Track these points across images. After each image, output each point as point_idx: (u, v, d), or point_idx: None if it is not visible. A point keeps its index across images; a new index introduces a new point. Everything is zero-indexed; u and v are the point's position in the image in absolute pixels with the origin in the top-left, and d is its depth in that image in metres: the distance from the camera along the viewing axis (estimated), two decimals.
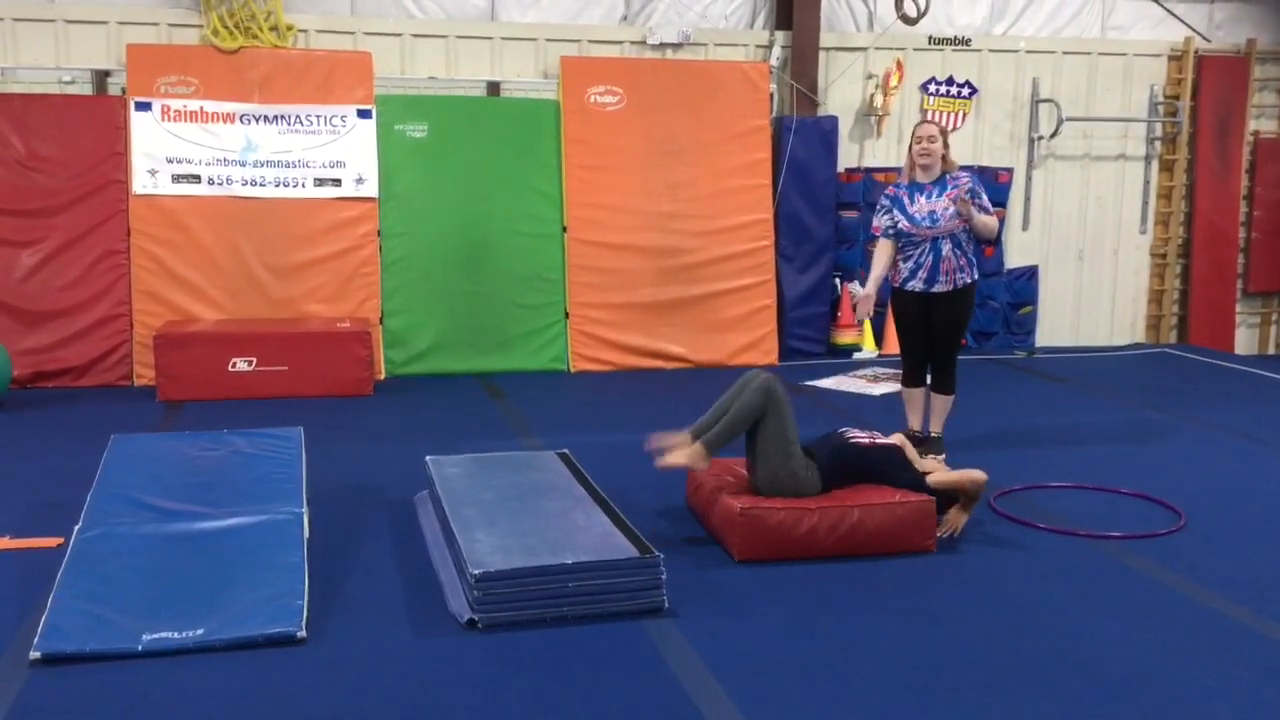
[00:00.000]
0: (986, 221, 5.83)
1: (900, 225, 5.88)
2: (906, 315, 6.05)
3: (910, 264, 5.91)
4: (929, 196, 5.83)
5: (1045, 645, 3.80)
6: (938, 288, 5.87)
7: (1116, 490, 5.51)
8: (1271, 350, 10.68)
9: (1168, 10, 10.04)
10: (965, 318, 6.06)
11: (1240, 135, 10.18)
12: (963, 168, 9.49)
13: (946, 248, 5.82)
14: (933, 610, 4.09)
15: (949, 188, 5.81)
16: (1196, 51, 10.02)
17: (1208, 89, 10.04)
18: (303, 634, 3.70)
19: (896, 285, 6.03)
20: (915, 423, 6.15)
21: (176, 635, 3.63)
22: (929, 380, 6.13)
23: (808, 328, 9.25)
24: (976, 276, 6.01)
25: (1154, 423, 7.05)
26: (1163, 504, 5.29)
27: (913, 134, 5.96)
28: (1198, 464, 6.11)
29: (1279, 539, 4.89)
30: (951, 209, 5.76)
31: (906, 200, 5.89)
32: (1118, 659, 3.69)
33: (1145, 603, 4.18)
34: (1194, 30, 10.08)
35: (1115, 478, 5.72)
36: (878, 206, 6.06)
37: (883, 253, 6.02)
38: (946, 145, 5.89)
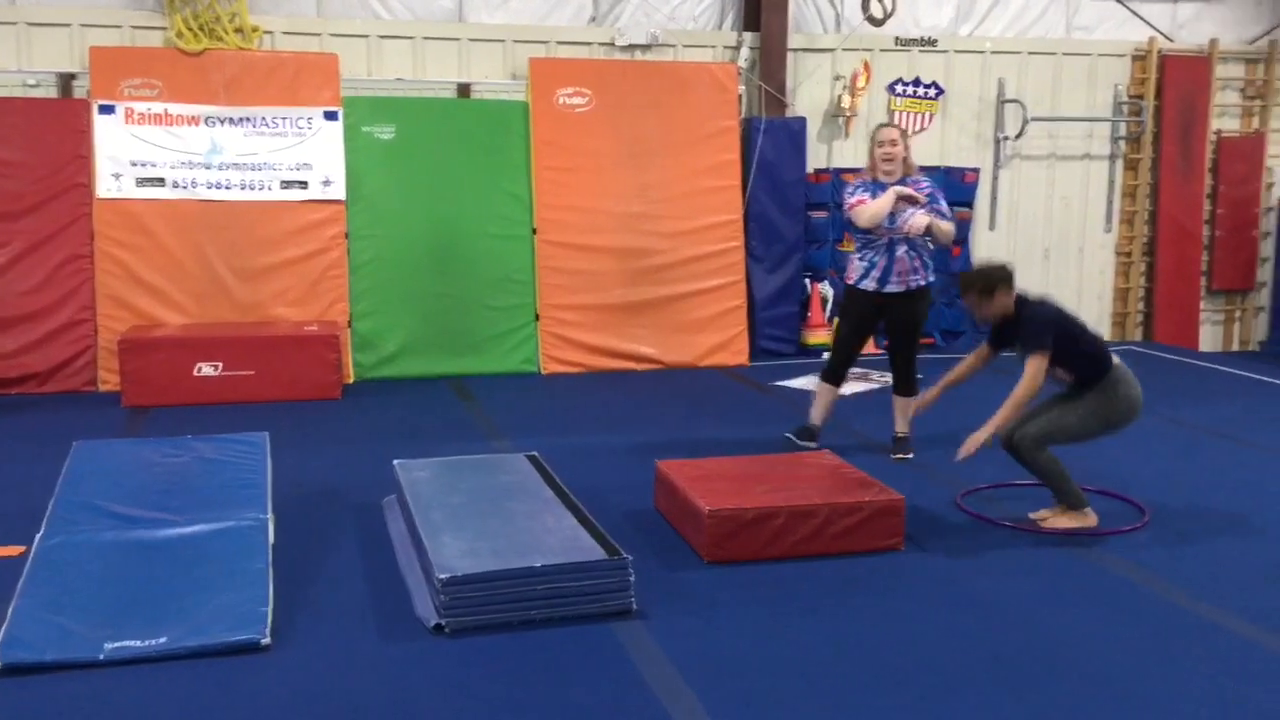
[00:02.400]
0: (945, 229, 5.89)
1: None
2: (854, 312, 6.12)
3: (864, 263, 5.98)
4: None
5: (1011, 642, 3.82)
6: (890, 288, 5.93)
7: (1081, 487, 5.54)
8: (1235, 347, 10.80)
9: (1131, 10, 10.13)
10: (921, 320, 6.13)
11: (1203, 134, 10.29)
12: (930, 168, 9.65)
13: (902, 250, 5.89)
14: (900, 608, 4.11)
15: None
16: (1160, 51, 10.12)
17: (1171, 88, 10.14)
18: (267, 641, 3.67)
19: (850, 282, 6.09)
20: (818, 418, 6.20)
21: (139, 644, 3.59)
22: (893, 384, 6.22)
23: (778, 328, 9.28)
24: (932, 279, 6.07)
25: None
26: (1127, 500, 5.34)
27: (874, 137, 6.03)
28: (1162, 460, 6.17)
29: (1242, 535, 4.94)
30: (910, 210, 5.82)
31: (869, 198, 5.92)
32: (1083, 655, 3.72)
33: (1110, 599, 4.21)
34: (1157, 30, 10.18)
35: (1080, 475, 5.74)
36: (848, 192, 6.05)
37: (873, 203, 5.83)
38: (907, 148, 5.98)
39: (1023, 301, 4.97)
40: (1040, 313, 4.92)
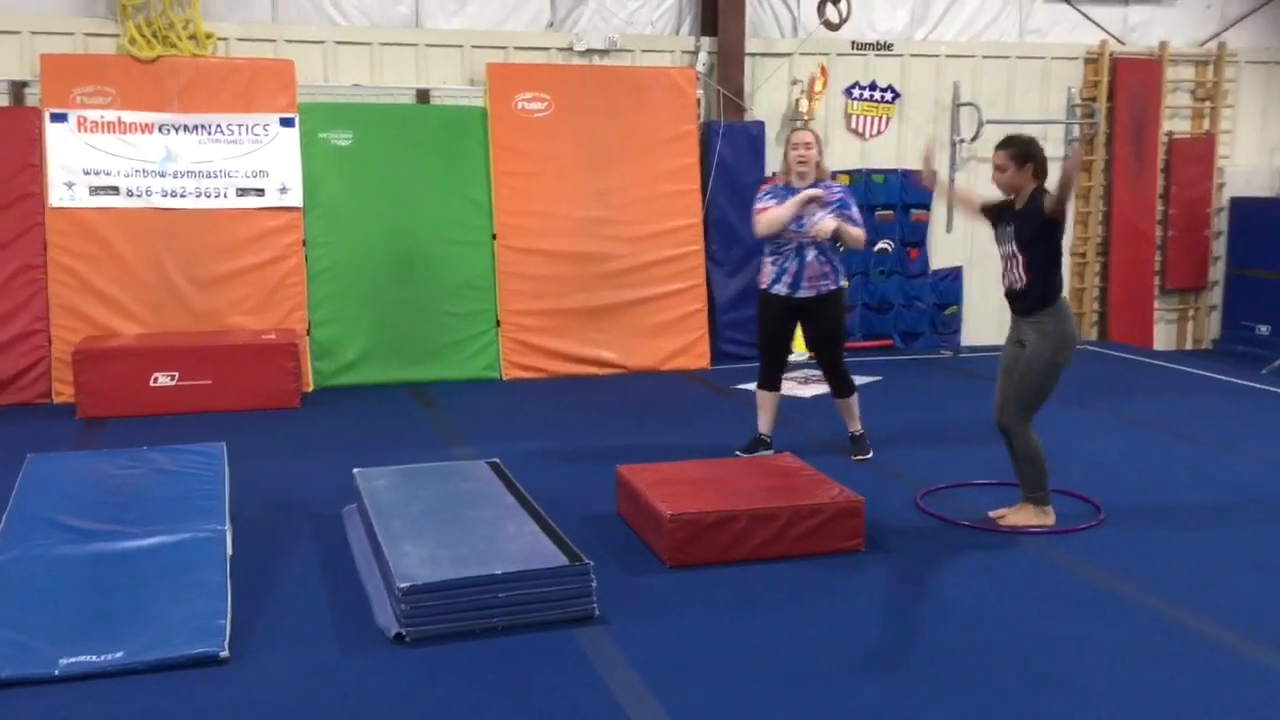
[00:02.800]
0: (855, 235, 5.90)
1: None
2: (769, 317, 6.10)
3: (776, 268, 5.98)
4: None
5: (970, 641, 3.86)
6: (802, 293, 5.94)
7: None
8: (1189, 345, 10.97)
9: (1083, 14, 10.27)
10: (839, 323, 6.12)
11: (1155, 136, 10.44)
12: (887, 171, 9.74)
13: (811, 254, 5.89)
14: (861, 609, 4.14)
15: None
16: (1112, 54, 10.27)
17: (1123, 91, 10.28)
18: (225, 653, 3.64)
19: (762, 287, 6.08)
20: (765, 426, 6.19)
21: (95, 658, 3.55)
22: (829, 389, 6.27)
23: (739, 331, 9.30)
24: (842, 283, 6.09)
25: (1075, 418, 7.19)
26: (1083, 499, 5.40)
27: (788, 140, 6.05)
28: (1118, 458, 6.25)
29: (1196, 532, 5.02)
30: (819, 214, 5.83)
31: (780, 201, 5.91)
32: (1040, 653, 3.76)
33: (1065, 597, 4.27)
34: (1109, 33, 10.33)
35: None
36: (758, 198, 6.02)
37: (777, 209, 5.87)
38: (820, 153, 5.99)
39: (1043, 192, 4.91)
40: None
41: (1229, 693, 3.47)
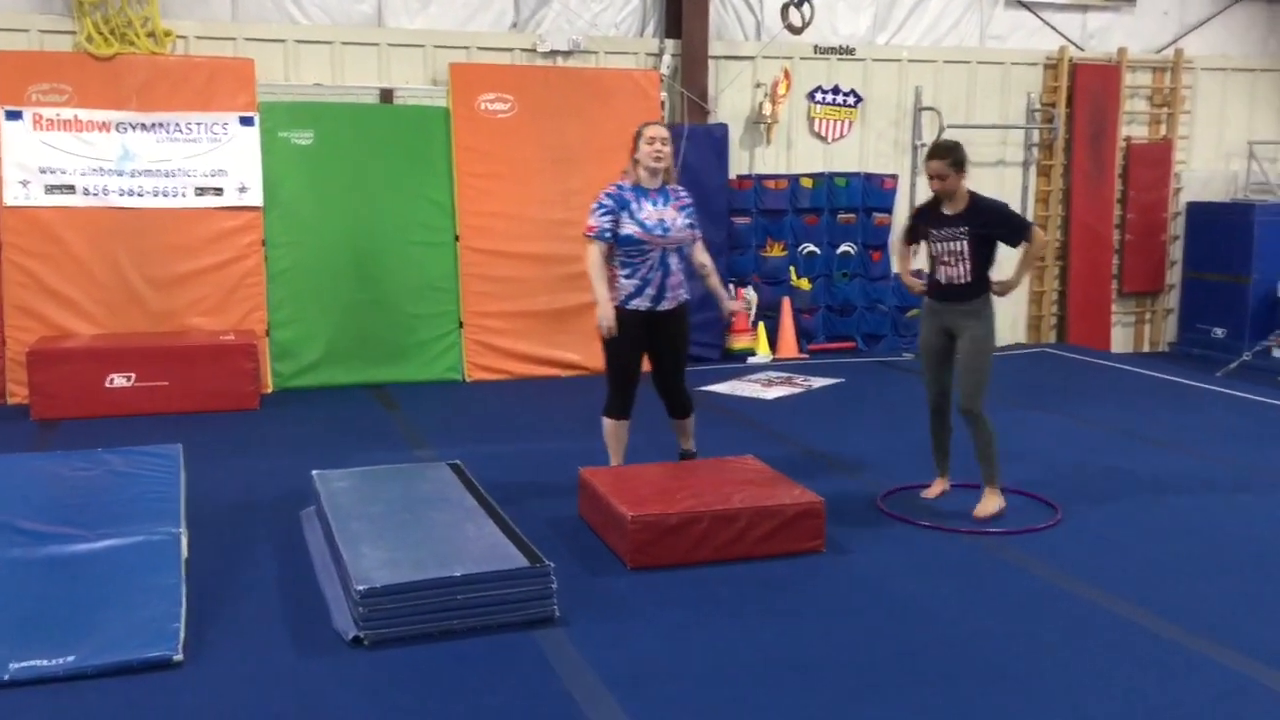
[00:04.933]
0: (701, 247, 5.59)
1: (628, 230, 5.28)
2: (628, 338, 5.35)
3: (636, 279, 5.32)
4: (655, 204, 5.34)
5: (926, 640, 3.88)
6: (664, 305, 5.37)
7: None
8: (1146, 348, 11.10)
9: (1043, 20, 10.37)
10: (689, 333, 5.66)
11: (1113, 141, 10.57)
12: (849, 175, 9.78)
13: (674, 261, 5.37)
14: (819, 609, 4.16)
15: (672, 198, 5.39)
16: (1071, 60, 10.37)
17: (1082, 96, 10.40)
18: (179, 657, 3.60)
19: (616, 304, 5.35)
20: (617, 459, 5.56)
21: (46, 663, 3.50)
22: (668, 410, 5.67)
23: (702, 333, 9.28)
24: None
25: (1034, 420, 7.27)
26: (1040, 499, 5.45)
27: (639, 135, 5.38)
28: (1075, 459, 6.31)
29: (1152, 532, 5.08)
30: (681, 220, 5.36)
31: (634, 203, 5.31)
32: (996, 652, 3.79)
33: (1022, 596, 4.30)
34: (1068, 39, 10.44)
35: None
36: (595, 205, 5.34)
37: (600, 263, 5.33)
38: (669, 155, 5.42)
39: (974, 193, 5.29)
40: (1000, 203, 5.40)
41: (1180, 690, 3.52)
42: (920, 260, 5.70)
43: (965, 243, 5.18)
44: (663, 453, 5.84)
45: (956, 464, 5.56)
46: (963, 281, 5.23)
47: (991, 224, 5.23)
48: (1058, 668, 3.67)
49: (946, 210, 5.28)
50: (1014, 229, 5.28)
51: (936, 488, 5.54)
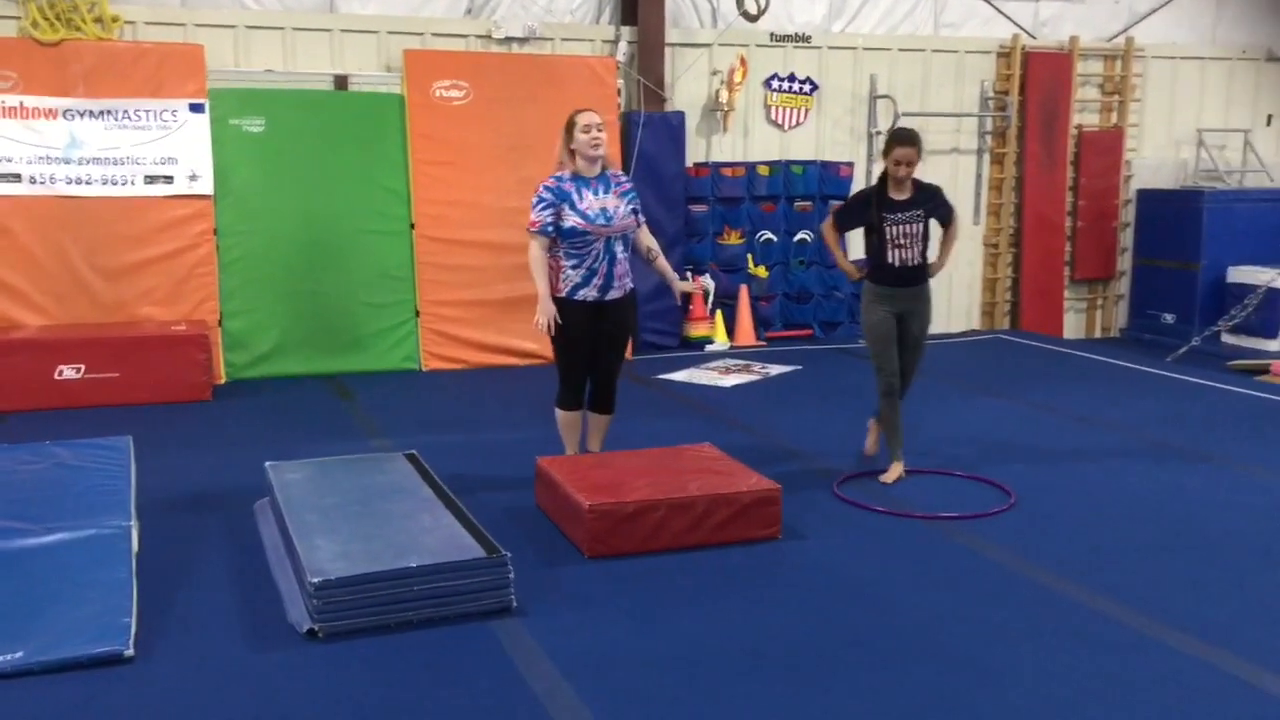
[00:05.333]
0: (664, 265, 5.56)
1: (570, 223, 5.18)
2: (577, 331, 5.29)
3: (582, 270, 5.22)
4: (596, 192, 5.25)
5: (882, 625, 3.92)
6: (612, 295, 5.29)
7: (950, 473, 5.72)
8: (1097, 334, 11.25)
9: (996, 8, 10.45)
10: (635, 325, 5.61)
11: (1065, 129, 10.68)
12: (806, 162, 9.81)
13: (620, 249, 5.29)
14: (777, 596, 4.18)
15: (613, 185, 5.31)
16: (1024, 48, 10.47)
17: (1034, 84, 10.49)
18: (130, 652, 3.55)
19: (561, 295, 5.25)
20: (573, 449, 5.59)
21: None
22: (591, 401, 5.60)
23: (660, 321, 9.33)
24: None
25: (988, 406, 7.34)
26: (994, 484, 5.51)
27: (573, 125, 5.26)
28: (1028, 444, 6.38)
29: (1103, 515, 5.15)
30: (624, 207, 5.28)
31: (574, 194, 5.22)
32: (950, 635, 3.83)
33: (977, 580, 4.35)
34: (1021, 28, 10.52)
35: (951, 460, 5.94)
36: (535, 200, 5.24)
37: (542, 258, 5.25)
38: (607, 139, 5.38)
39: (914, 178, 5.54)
40: (935, 184, 5.70)
41: (1131, 671, 3.57)
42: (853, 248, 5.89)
43: (922, 225, 5.46)
44: (634, 440, 5.85)
45: (914, 449, 5.62)
46: (916, 264, 5.47)
47: (937, 204, 5.55)
48: (1011, 650, 3.72)
49: (896, 195, 5.44)
50: (949, 208, 5.62)
51: (895, 472, 5.60)
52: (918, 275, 5.48)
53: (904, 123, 10.05)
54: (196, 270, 7.93)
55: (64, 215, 7.68)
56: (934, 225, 5.58)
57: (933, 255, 5.62)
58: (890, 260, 5.44)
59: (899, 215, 5.41)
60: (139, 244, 7.82)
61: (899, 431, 5.63)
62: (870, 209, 5.50)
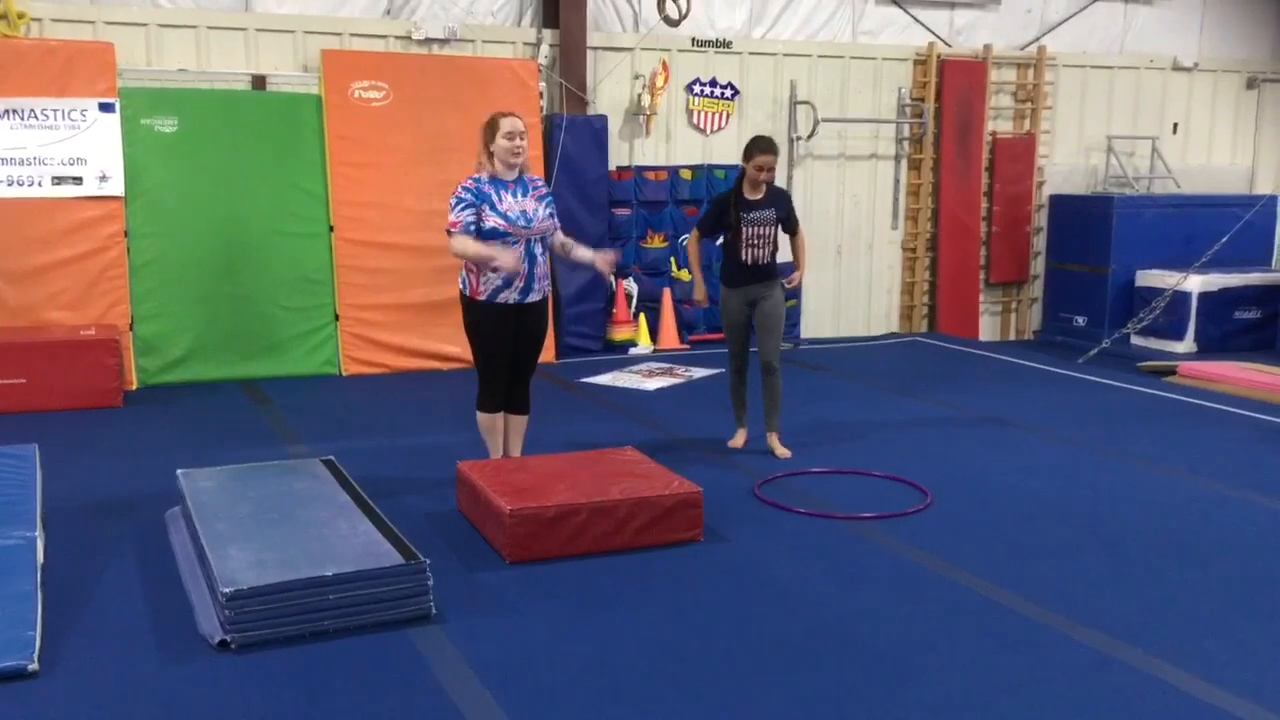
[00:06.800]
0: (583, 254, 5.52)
1: (491, 223, 5.16)
2: (496, 333, 5.31)
3: (503, 273, 5.20)
4: (515, 195, 5.25)
5: (804, 625, 3.95)
6: (532, 297, 5.30)
7: (869, 473, 5.80)
8: (1012, 336, 11.48)
9: (912, 16, 10.62)
10: (547, 328, 5.66)
11: (980, 135, 10.88)
12: (728, 168, 9.87)
13: (539, 251, 5.30)
14: (698, 599, 4.19)
15: (530, 189, 5.32)
16: (939, 56, 10.65)
17: (950, 91, 10.68)
18: (34, 666, 3.44)
19: (481, 299, 5.25)
20: (496, 452, 5.56)
21: None
22: (507, 403, 5.55)
23: (583, 324, 9.32)
24: None
25: (905, 407, 7.46)
26: (911, 484, 5.60)
27: (495, 129, 5.22)
28: (944, 445, 6.49)
29: (1016, 515, 5.25)
30: (543, 211, 5.30)
31: (494, 196, 5.21)
32: (870, 633, 3.88)
33: (895, 579, 4.41)
34: (936, 36, 10.71)
35: (870, 461, 6.02)
36: (454, 200, 5.21)
37: (471, 243, 5.15)
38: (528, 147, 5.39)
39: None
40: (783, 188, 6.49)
41: (1046, 667, 3.64)
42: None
43: (773, 228, 5.97)
44: (556, 444, 5.83)
45: (834, 451, 5.66)
46: (765, 263, 6.00)
47: (787, 207, 6.09)
48: (929, 648, 3.77)
49: (752, 196, 5.95)
50: (796, 219, 6.15)
51: (740, 438, 6.30)
52: (768, 273, 6.00)
53: (824, 128, 10.20)
54: (107, 273, 7.73)
55: None
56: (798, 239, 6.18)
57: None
58: (744, 259, 5.95)
59: (755, 215, 5.91)
60: (47, 246, 7.61)
61: (744, 404, 6.31)
62: (730, 209, 5.95)
